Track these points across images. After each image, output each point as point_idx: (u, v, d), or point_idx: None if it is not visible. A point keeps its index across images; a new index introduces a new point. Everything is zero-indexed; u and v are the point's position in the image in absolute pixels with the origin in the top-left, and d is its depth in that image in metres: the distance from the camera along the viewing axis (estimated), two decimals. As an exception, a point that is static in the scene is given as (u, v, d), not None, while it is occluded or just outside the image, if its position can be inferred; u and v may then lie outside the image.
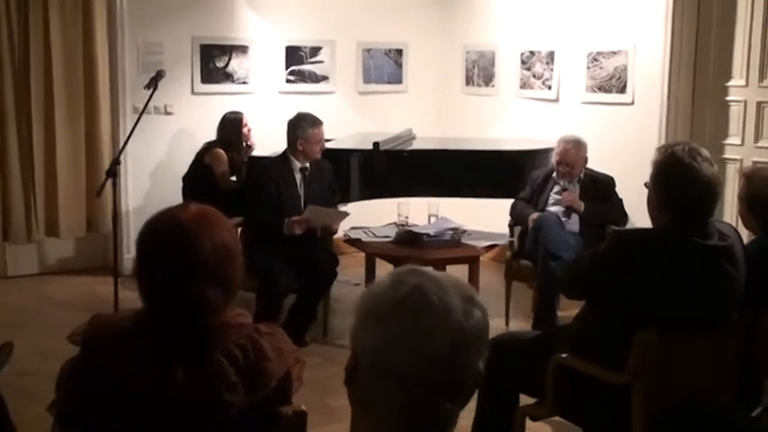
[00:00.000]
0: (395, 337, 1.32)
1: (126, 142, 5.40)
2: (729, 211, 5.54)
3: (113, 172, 4.99)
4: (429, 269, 1.42)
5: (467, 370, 1.35)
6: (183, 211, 2.05)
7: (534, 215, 5.48)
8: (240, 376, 1.99)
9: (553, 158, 5.68)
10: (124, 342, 2.00)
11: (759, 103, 5.73)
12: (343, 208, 5.61)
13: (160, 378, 1.95)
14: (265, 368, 2.03)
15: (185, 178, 6.28)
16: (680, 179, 2.87)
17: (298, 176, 5.33)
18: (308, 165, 5.34)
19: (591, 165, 5.71)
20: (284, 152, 5.37)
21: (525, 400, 3.35)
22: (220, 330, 2.02)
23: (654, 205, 2.99)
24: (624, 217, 5.47)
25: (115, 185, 5.07)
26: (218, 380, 1.97)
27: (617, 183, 5.60)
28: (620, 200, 5.56)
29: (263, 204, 5.22)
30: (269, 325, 2.18)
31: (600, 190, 5.60)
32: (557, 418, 3.34)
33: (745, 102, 5.80)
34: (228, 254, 2.07)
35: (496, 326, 5.23)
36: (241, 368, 1.99)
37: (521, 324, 5.41)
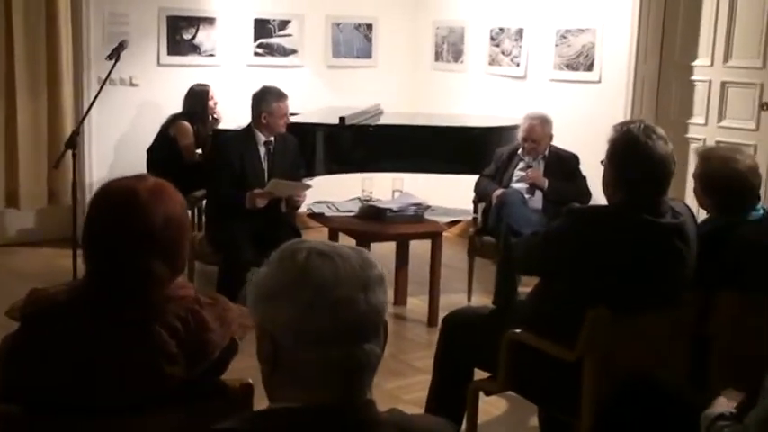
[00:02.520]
0: (308, 300, 1.36)
1: (87, 113, 5.35)
2: (690, 189, 5.57)
3: (73, 143, 4.93)
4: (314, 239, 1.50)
5: (380, 311, 1.41)
6: (138, 182, 2.03)
7: (498, 191, 5.49)
8: (181, 348, 1.97)
9: (519, 135, 5.68)
10: (63, 315, 1.98)
11: (723, 83, 5.76)
12: (307, 182, 5.59)
13: (99, 350, 1.94)
14: (207, 339, 2.02)
15: (150, 150, 6.23)
16: (634, 157, 2.88)
17: (262, 150, 5.29)
18: (272, 139, 5.30)
19: (557, 142, 5.71)
20: (248, 126, 5.32)
21: (480, 374, 3.36)
22: (161, 302, 2.00)
23: (608, 183, 3.00)
24: (587, 195, 5.49)
25: (75, 157, 5.01)
26: (158, 351, 1.95)
27: (582, 161, 5.62)
28: (584, 178, 5.58)
29: (226, 178, 5.18)
30: (212, 295, 2.17)
31: (564, 167, 5.61)
32: (510, 393, 3.36)
33: (710, 82, 5.84)
34: (180, 229, 2.06)
35: (458, 301, 5.25)
36: (182, 339, 1.98)
37: (483, 300, 5.43)
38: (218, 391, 2.07)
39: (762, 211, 3.29)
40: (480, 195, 5.73)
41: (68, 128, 6.26)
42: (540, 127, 5.56)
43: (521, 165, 5.64)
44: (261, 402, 2.14)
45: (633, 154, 2.88)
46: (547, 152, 5.62)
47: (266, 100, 5.23)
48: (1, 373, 2.03)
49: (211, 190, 5.26)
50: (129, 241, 1.97)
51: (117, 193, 2.02)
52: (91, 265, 2.02)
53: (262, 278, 1.43)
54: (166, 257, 2.01)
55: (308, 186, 5.40)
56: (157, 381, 1.95)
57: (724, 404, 2.33)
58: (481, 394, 3.31)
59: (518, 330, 3.03)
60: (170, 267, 2.03)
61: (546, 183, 5.51)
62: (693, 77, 5.93)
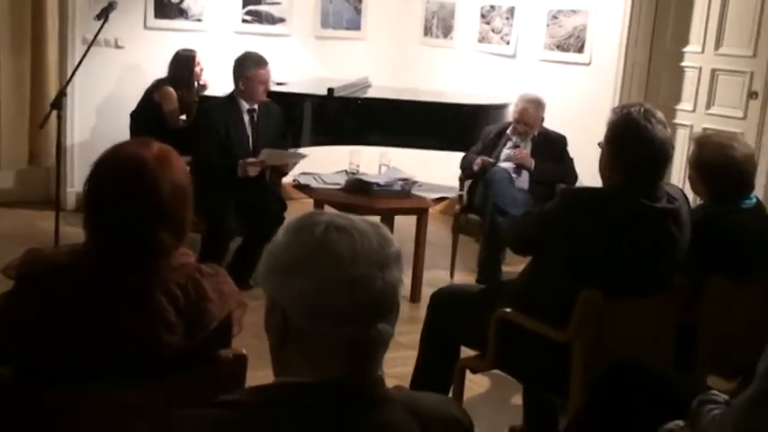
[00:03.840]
0: (325, 275, 1.33)
1: (73, 74, 5.25)
2: (677, 174, 5.60)
3: (58, 104, 4.85)
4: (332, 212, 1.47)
5: (396, 291, 1.39)
6: (145, 149, 2.00)
7: (479, 159, 5.49)
8: (180, 317, 1.95)
9: (512, 116, 5.66)
10: (62, 277, 1.95)
11: (713, 71, 5.76)
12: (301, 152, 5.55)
13: (98, 315, 1.91)
14: (206, 309, 2.00)
15: (133, 115, 6.15)
16: (633, 140, 2.88)
17: (246, 118, 5.24)
18: (255, 107, 5.26)
19: (545, 123, 5.70)
20: (231, 93, 5.27)
21: (466, 352, 3.36)
22: (163, 270, 1.97)
23: (605, 165, 2.99)
24: (574, 177, 5.50)
25: (60, 118, 4.92)
26: (157, 319, 1.93)
27: (570, 142, 5.62)
28: (571, 159, 5.58)
29: (213, 145, 5.12)
30: (212, 266, 2.14)
31: (552, 148, 5.61)
32: (496, 372, 3.36)
33: (700, 68, 5.83)
34: (185, 196, 2.04)
35: (442, 278, 5.25)
36: (181, 308, 1.96)
37: (465, 278, 5.44)
38: (212, 361, 2.05)
39: (755, 200, 3.30)
40: (466, 172, 5.72)
41: (52, 88, 6.17)
42: (533, 110, 5.57)
43: (509, 144, 5.63)
44: (253, 373, 2.14)
45: (633, 137, 2.87)
46: (536, 133, 5.60)
47: (245, 65, 5.19)
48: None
49: (198, 156, 5.18)
50: (138, 210, 1.94)
51: (123, 161, 1.99)
52: (95, 231, 1.99)
53: (276, 249, 1.40)
54: (172, 226, 1.99)
55: (303, 156, 5.36)
56: (155, 348, 1.92)
57: None
58: (468, 372, 3.30)
59: (508, 309, 3.03)
60: (175, 236, 2.00)
61: (533, 163, 5.51)
62: (684, 63, 5.92)
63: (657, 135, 2.86)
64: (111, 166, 1.98)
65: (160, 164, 1.97)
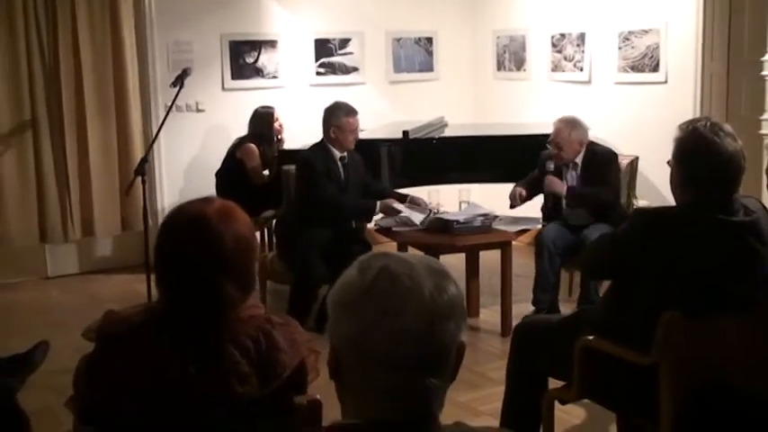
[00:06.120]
0: (369, 321, 1.32)
1: (154, 139, 5.46)
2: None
3: (142, 170, 5.04)
4: (396, 252, 1.43)
5: (447, 344, 1.35)
6: (207, 205, 2.06)
7: (516, 192, 5.39)
8: (252, 367, 1.99)
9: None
10: (138, 336, 2.02)
11: (795, 77, 5.61)
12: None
13: (173, 371, 1.96)
14: (278, 359, 2.03)
15: (218, 174, 6.33)
16: (701, 155, 2.81)
17: (339, 164, 5.35)
18: (345, 154, 5.37)
19: (623, 147, 5.60)
20: (321, 141, 5.37)
21: (554, 383, 3.31)
22: (233, 323, 2.02)
23: (676, 183, 2.93)
24: (615, 196, 5.26)
25: (144, 183, 5.11)
26: (229, 372, 1.97)
27: (650, 163, 5.50)
28: (617, 175, 5.32)
29: (329, 184, 5.24)
30: (282, 316, 2.19)
31: (598, 168, 5.28)
32: (587, 401, 3.30)
33: (782, 76, 5.68)
34: (249, 249, 2.08)
35: (531, 311, 5.18)
36: (253, 359, 2.00)
37: (561, 307, 5.33)
38: (286, 408, 2.08)
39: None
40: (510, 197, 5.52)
41: (138, 155, 6.41)
42: (565, 130, 5.25)
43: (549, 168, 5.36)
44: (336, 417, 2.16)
45: (701, 152, 2.81)
46: (582, 156, 5.31)
47: (336, 114, 5.30)
48: (78, 393, 2.08)
49: (317, 194, 5.21)
50: (200, 264, 2.00)
51: (186, 217, 2.05)
52: (164, 288, 2.05)
53: (340, 283, 1.40)
54: (237, 278, 2.03)
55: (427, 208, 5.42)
56: (229, 400, 1.96)
57: None
58: (557, 403, 3.26)
59: (591, 337, 2.98)
60: (241, 288, 2.05)
61: (564, 188, 5.27)
62: (764, 72, 5.77)
63: (727, 148, 2.79)
64: (175, 223, 2.05)
65: (221, 218, 2.02)
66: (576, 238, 5.12)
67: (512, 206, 5.43)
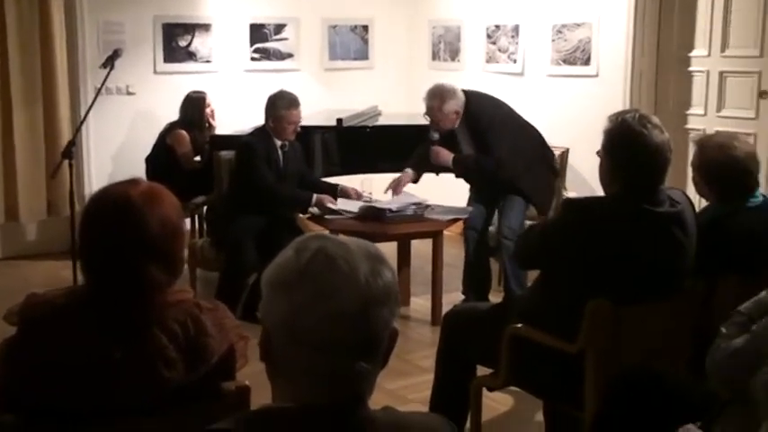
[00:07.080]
0: (303, 303, 1.31)
1: (82, 122, 5.34)
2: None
3: (69, 153, 4.94)
4: (334, 236, 1.41)
5: (380, 329, 1.35)
6: (132, 187, 2.02)
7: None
8: (180, 352, 1.96)
9: None
10: (61, 319, 1.97)
11: (721, 73, 5.74)
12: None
13: (98, 355, 1.93)
14: (206, 344, 2.01)
15: (148, 159, 6.24)
16: (630, 146, 2.87)
17: (279, 152, 5.32)
18: (286, 143, 5.33)
19: (555, 138, 5.67)
20: (263, 126, 5.32)
21: (483, 371, 3.34)
22: (160, 307, 1.99)
23: (605, 173, 2.98)
24: (497, 164, 5.15)
25: (72, 167, 5.01)
26: (155, 356, 1.94)
27: (581, 155, 5.58)
28: (498, 141, 5.20)
29: (268, 171, 5.20)
30: (211, 300, 2.17)
31: (478, 135, 5.25)
32: (516, 388, 3.34)
33: (708, 72, 5.81)
34: (175, 231, 2.05)
35: (461, 300, 5.22)
36: (181, 344, 1.97)
37: (491, 297, 5.38)
38: (214, 394, 2.06)
39: (761, 198, 3.27)
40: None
41: (66, 138, 6.26)
42: (437, 106, 5.16)
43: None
44: (264, 402, 2.15)
45: (629, 144, 2.87)
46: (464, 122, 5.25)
47: (276, 105, 5.26)
48: (0, 377, 2.03)
49: (256, 181, 5.16)
50: (123, 247, 1.96)
51: (110, 199, 2.01)
52: (87, 271, 2.01)
53: (276, 263, 1.38)
54: (162, 261, 2.00)
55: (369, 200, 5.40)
56: (155, 385, 1.93)
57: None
58: (485, 390, 3.29)
59: (519, 325, 3.02)
60: (167, 271, 2.02)
61: (450, 158, 5.24)
62: (691, 68, 5.90)
63: (654, 140, 2.85)
64: (99, 205, 2.01)
65: (147, 200, 1.98)
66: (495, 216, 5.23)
67: (394, 192, 5.38)
